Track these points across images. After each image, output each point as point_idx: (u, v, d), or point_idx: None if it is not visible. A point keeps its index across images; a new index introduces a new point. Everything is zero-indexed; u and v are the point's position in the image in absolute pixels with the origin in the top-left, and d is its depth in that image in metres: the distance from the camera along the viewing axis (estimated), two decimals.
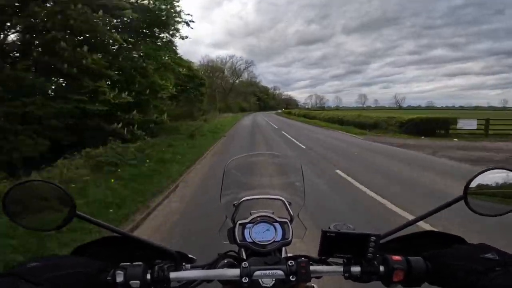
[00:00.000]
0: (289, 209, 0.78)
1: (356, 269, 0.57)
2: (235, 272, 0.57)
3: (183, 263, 0.62)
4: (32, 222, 0.55)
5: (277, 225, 0.69)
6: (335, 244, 0.56)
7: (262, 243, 0.67)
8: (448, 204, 0.58)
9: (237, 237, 0.69)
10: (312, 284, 0.76)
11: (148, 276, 0.55)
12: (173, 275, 0.57)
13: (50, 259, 0.52)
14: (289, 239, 0.69)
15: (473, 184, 0.57)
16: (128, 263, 0.55)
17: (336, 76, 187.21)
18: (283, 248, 0.77)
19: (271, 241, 0.68)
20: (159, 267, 0.57)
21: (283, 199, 0.79)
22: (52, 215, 0.55)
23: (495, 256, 0.50)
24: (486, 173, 0.57)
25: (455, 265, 0.52)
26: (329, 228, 0.57)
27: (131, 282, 0.53)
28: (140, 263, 0.56)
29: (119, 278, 0.53)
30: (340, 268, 0.58)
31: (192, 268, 0.63)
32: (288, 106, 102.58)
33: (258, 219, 0.70)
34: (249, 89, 72.80)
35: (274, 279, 0.56)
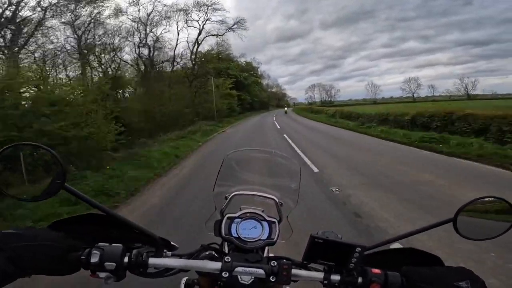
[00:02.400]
0: (280, 210, 0.77)
1: (335, 277, 0.57)
2: (216, 265, 0.56)
3: (165, 250, 0.62)
4: (18, 190, 0.54)
5: (265, 224, 0.69)
6: (320, 251, 0.56)
7: (247, 240, 0.67)
8: (437, 225, 0.59)
9: (223, 230, 0.68)
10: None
11: (126, 259, 0.54)
12: (152, 260, 0.56)
13: (25, 229, 0.52)
14: (274, 240, 0.69)
15: (466, 209, 0.58)
16: (107, 244, 0.54)
17: (314, 71, 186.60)
18: (266, 248, 0.77)
19: (256, 239, 0.67)
20: (138, 251, 0.56)
21: (276, 198, 0.79)
22: (40, 183, 0.54)
23: (468, 285, 0.51)
24: (480, 200, 0.58)
25: (427, 287, 0.53)
26: (317, 233, 0.57)
27: (106, 263, 0.52)
28: (120, 245, 0.55)
29: (94, 258, 0.52)
30: (321, 275, 0.58)
31: (173, 256, 0.62)
32: (280, 102, 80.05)
33: (247, 215, 0.70)
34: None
35: (253, 277, 0.56)
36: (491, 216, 0.59)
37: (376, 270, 0.57)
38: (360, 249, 0.55)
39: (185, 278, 0.74)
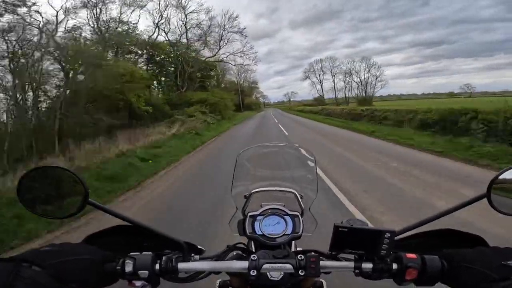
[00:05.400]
0: (301, 202, 0.76)
1: (367, 266, 0.55)
2: (243, 264, 0.56)
3: (192, 254, 0.63)
4: (45, 209, 0.56)
5: (288, 218, 0.68)
6: (347, 240, 0.55)
7: (272, 236, 0.66)
8: (470, 202, 0.55)
9: (247, 229, 0.68)
10: (321, 280, 0.75)
11: (157, 266, 0.55)
12: (181, 265, 0.57)
13: (61, 245, 0.53)
14: (299, 233, 0.68)
15: (498, 181, 0.54)
16: (137, 253, 0.56)
17: (279, 71, 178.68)
18: (293, 242, 0.76)
19: (281, 234, 0.67)
20: (167, 258, 0.57)
21: (295, 191, 0.78)
22: (65, 202, 0.56)
23: None
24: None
25: (471, 268, 0.49)
26: (342, 223, 0.56)
27: (140, 272, 0.53)
28: (150, 253, 0.56)
29: (128, 268, 0.53)
30: (351, 264, 0.56)
31: (201, 259, 0.63)
32: (244, 100, 45.64)
33: (269, 211, 0.69)
34: None
35: (282, 272, 0.56)
36: None
37: (411, 255, 0.54)
38: (389, 235, 0.53)
39: (218, 280, 0.75)
